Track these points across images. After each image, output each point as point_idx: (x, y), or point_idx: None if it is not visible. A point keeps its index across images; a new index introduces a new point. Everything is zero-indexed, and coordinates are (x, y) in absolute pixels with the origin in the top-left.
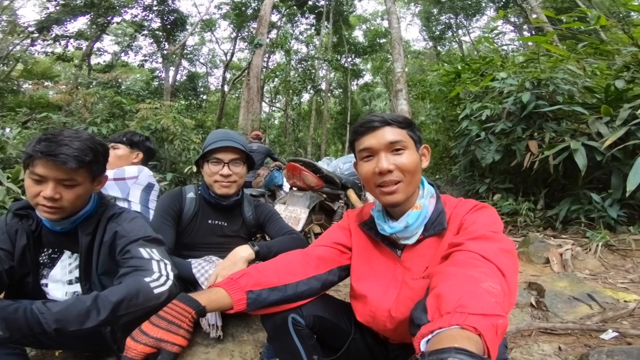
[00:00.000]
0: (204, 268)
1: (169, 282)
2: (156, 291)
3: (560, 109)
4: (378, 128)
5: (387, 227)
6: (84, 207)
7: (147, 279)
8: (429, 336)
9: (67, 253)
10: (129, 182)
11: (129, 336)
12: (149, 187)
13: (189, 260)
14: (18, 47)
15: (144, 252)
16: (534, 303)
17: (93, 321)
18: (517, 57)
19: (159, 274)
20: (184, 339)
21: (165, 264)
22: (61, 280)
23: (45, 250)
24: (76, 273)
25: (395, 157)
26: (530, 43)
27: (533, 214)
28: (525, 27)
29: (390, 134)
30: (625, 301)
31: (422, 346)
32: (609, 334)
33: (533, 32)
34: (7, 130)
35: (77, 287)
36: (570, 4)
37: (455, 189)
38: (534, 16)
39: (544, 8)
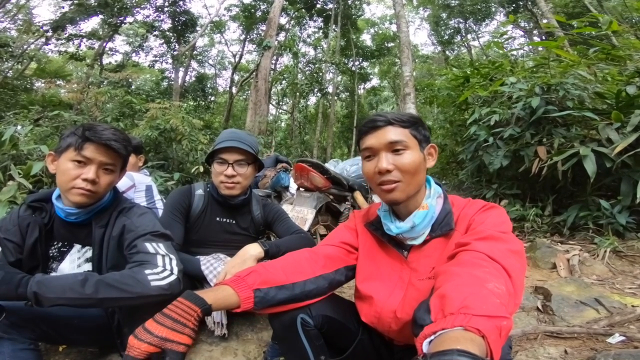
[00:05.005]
0: (212, 265)
1: (172, 277)
2: (153, 284)
3: (570, 114)
4: (380, 127)
5: (394, 227)
6: (104, 197)
7: (146, 271)
8: (432, 337)
9: (77, 246)
10: (129, 193)
11: (132, 334)
12: (148, 189)
13: (198, 257)
14: (32, 46)
15: (150, 246)
16: (540, 307)
17: (74, 293)
18: (527, 62)
19: (163, 268)
20: (189, 337)
21: (171, 259)
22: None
23: (55, 243)
24: (85, 267)
25: (396, 157)
26: (540, 48)
27: (540, 219)
28: (535, 32)
29: (391, 133)
30: (633, 306)
31: (425, 347)
32: (616, 338)
33: (544, 37)
34: (19, 127)
35: None
36: (582, 9)
37: (462, 194)
38: (545, 21)
39: (555, 13)
